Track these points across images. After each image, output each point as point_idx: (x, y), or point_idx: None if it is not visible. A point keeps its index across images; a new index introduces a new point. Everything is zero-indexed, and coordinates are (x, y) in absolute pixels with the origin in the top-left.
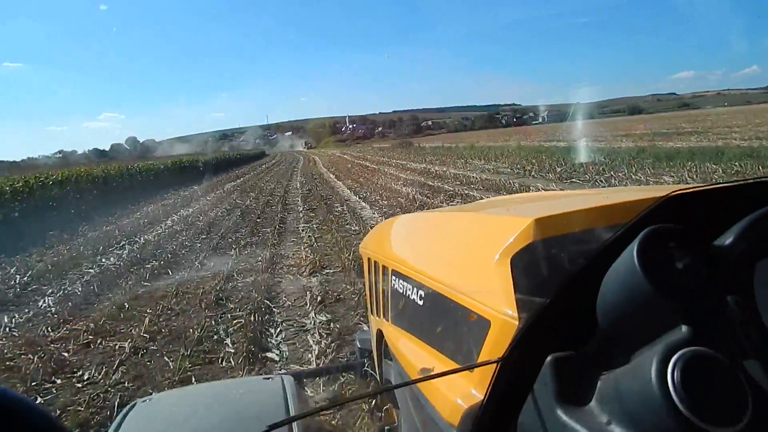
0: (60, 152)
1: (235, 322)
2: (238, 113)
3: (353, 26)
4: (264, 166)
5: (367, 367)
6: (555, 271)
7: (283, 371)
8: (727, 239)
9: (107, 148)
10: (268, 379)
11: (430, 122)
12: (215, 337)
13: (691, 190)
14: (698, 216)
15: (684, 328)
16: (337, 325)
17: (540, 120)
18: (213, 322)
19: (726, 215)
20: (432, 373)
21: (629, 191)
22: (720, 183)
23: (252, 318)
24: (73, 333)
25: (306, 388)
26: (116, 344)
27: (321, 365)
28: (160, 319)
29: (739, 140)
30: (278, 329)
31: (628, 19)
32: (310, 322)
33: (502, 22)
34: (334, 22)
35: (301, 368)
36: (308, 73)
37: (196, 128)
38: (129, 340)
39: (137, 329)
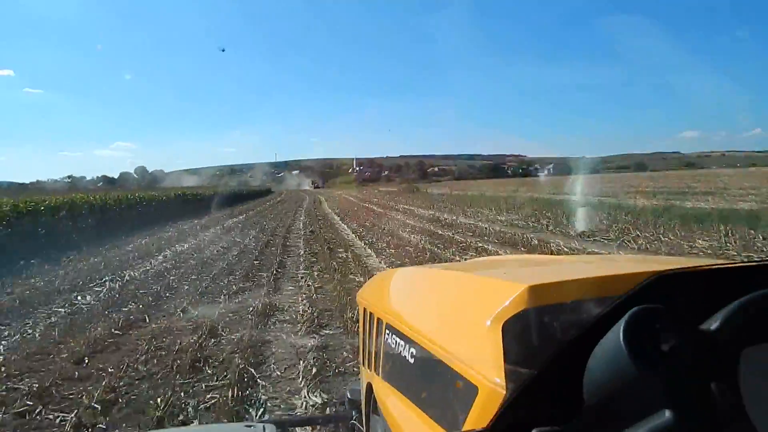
0: (69, 177)
1: (209, 396)
2: (247, 150)
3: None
4: (269, 203)
5: (354, 420)
6: (546, 341)
7: (266, 418)
8: (714, 323)
9: (116, 176)
10: (250, 427)
11: (436, 168)
12: (181, 416)
13: (681, 269)
14: (688, 296)
15: (667, 412)
16: (334, 410)
17: (545, 172)
18: (183, 394)
19: (717, 297)
20: None
21: (622, 261)
22: (713, 263)
23: (230, 393)
24: (9, 396)
25: None
26: (58, 416)
27: (308, 414)
28: (121, 383)
29: (760, 202)
30: (260, 411)
31: (629, 88)
32: (301, 404)
33: (507, 85)
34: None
35: (287, 416)
36: (319, 115)
37: (207, 162)
38: (75, 411)
39: (90, 396)
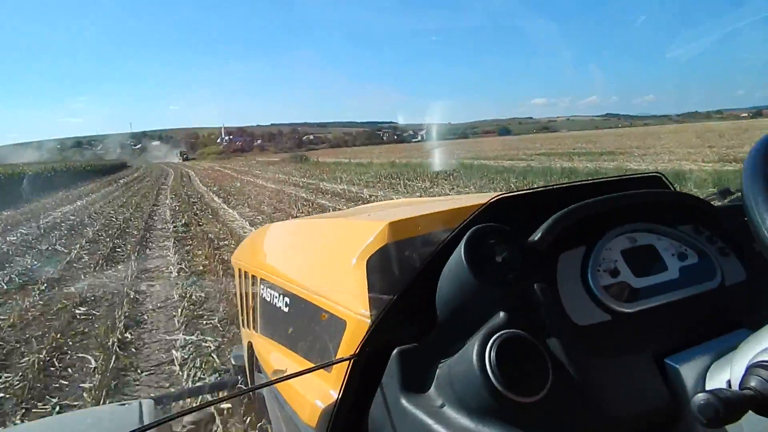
0: None
1: None
2: (97, 120)
3: (225, 31)
4: (123, 181)
5: (241, 383)
6: (405, 270)
7: (143, 396)
8: (537, 235)
9: None
10: (124, 405)
11: (311, 136)
12: None
13: (513, 194)
14: (519, 216)
15: (501, 313)
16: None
17: (419, 138)
18: None
19: (541, 215)
20: (287, 374)
21: (471, 197)
22: (538, 188)
23: None
24: None
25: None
26: None
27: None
28: None
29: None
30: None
31: (488, 41)
32: None
33: (373, 31)
34: (203, 25)
35: (166, 390)
36: (177, 80)
37: (47, 134)
38: None
39: None
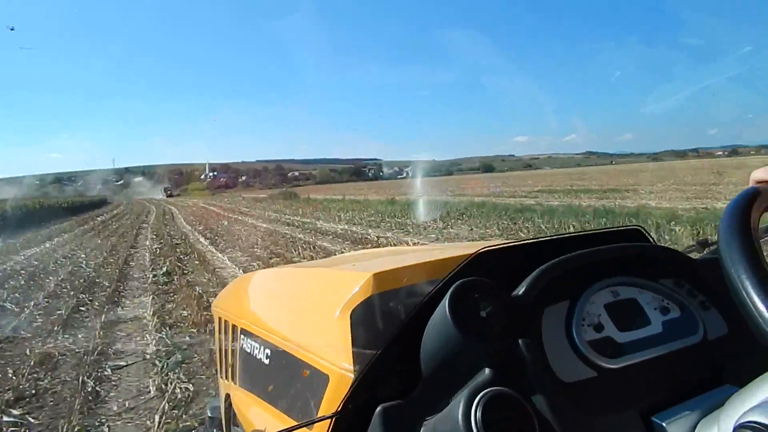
0: None
1: None
2: (78, 156)
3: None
4: (100, 219)
5: None
6: (390, 323)
7: None
8: (522, 289)
9: None
10: None
11: (297, 173)
12: None
13: (497, 246)
14: (503, 269)
15: (487, 370)
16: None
17: (404, 174)
18: None
19: (525, 268)
20: None
21: (456, 247)
22: (522, 240)
23: None
24: None
25: None
26: None
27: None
28: None
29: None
30: None
31: (468, 95)
32: None
33: (359, 85)
34: (190, 63)
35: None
36: (163, 117)
37: (27, 170)
38: None
39: None
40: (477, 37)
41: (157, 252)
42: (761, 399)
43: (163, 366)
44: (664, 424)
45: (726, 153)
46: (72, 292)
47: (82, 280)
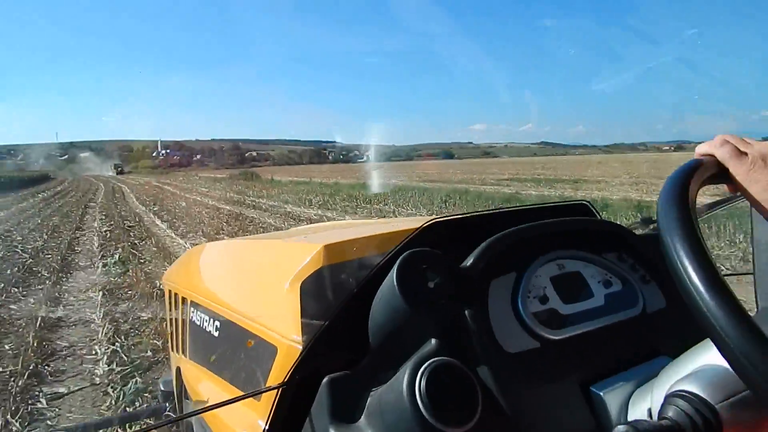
0: None
1: None
2: (18, 128)
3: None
4: (41, 196)
5: (169, 411)
6: (339, 295)
7: (62, 426)
8: (469, 260)
9: None
10: None
11: (254, 153)
12: None
13: (446, 218)
14: (451, 240)
15: (433, 340)
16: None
17: (364, 158)
18: None
19: (474, 240)
20: (214, 403)
21: (408, 221)
22: (471, 212)
23: None
24: None
25: None
26: None
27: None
28: None
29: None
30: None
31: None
32: None
33: (312, 49)
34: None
35: (89, 419)
36: (110, 90)
37: None
38: None
39: None
40: (426, 3)
41: (108, 236)
42: (691, 369)
43: (118, 397)
44: (601, 394)
45: (672, 148)
46: (1, 285)
47: (15, 269)
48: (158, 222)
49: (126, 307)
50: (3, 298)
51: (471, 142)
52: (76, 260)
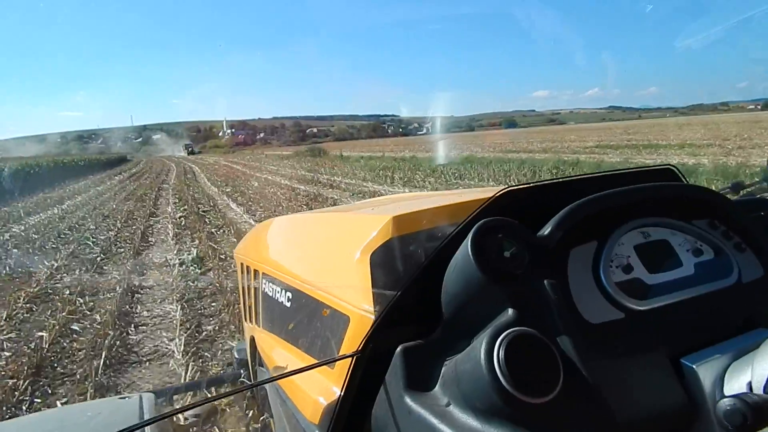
0: None
1: None
2: (97, 113)
3: (225, 26)
4: (117, 179)
5: (243, 377)
6: (410, 266)
7: (144, 390)
8: (547, 230)
9: None
10: (124, 398)
11: (315, 129)
12: None
13: (521, 187)
14: (527, 209)
15: (510, 311)
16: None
17: (424, 131)
18: None
19: (551, 209)
20: (290, 370)
21: (477, 191)
22: (546, 180)
23: None
24: None
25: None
26: None
27: (192, 379)
28: None
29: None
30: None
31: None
32: None
33: (372, 24)
34: (204, 20)
35: (168, 384)
36: (179, 74)
37: (48, 128)
38: None
39: None
40: None
41: (182, 223)
42: None
43: None
44: (694, 367)
45: (759, 106)
46: (62, 295)
47: (84, 269)
48: (233, 205)
49: (210, 331)
50: (63, 319)
51: (533, 110)
52: (150, 256)
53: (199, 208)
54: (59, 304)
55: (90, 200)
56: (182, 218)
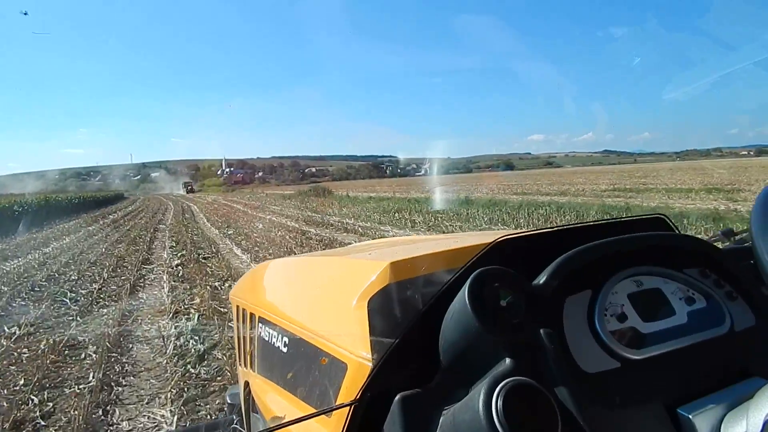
0: None
1: None
2: (97, 151)
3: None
4: (111, 218)
5: (236, 424)
6: (407, 312)
7: None
8: (543, 278)
9: None
10: None
11: (314, 169)
12: None
13: (517, 235)
14: (523, 258)
15: (507, 360)
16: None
17: (423, 172)
18: None
19: (546, 257)
20: (287, 420)
21: (473, 236)
22: (542, 229)
23: None
24: None
25: None
26: None
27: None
28: None
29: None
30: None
31: (482, 81)
32: None
33: (371, 78)
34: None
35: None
36: (179, 113)
37: (48, 165)
38: None
39: None
40: (492, 23)
41: (179, 273)
42: None
43: None
44: (690, 417)
45: (751, 152)
46: (11, 388)
47: (51, 340)
48: (237, 251)
49: None
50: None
51: (529, 153)
52: (140, 320)
53: (199, 255)
54: (4, 403)
55: (78, 242)
56: (180, 266)
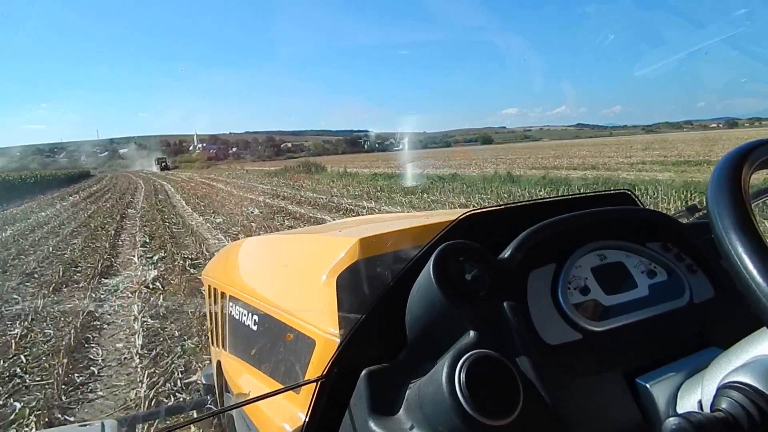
0: None
1: None
2: (61, 127)
3: (197, 40)
4: (71, 199)
5: (210, 403)
6: (375, 288)
7: (105, 416)
8: (507, 252)
9: None
10: (86, 426)
11: (289, 144)
12: None
13: (482, 210)
14: (488, 232)
15: (471, 333)
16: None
17: (400, 147)
18: None
19: (511, 232)
20: (254, 396)
21: (442, 214)
22: (507, 204)
23: None
24: None
25: None
26: None
27: (158, 406)
28: None
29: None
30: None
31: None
32: None
33: (342, 48)
34: (173, 30)
35: (132, 412)
36: (146, 86)
37: (8, 142)
38: None
39: None
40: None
41: (157, 295)
42: (745, 360)
43: None
44: (648, 386)
45: (721, 125)
46: None
47: None
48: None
49: None
50: None
51: (504, 127)
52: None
53: (182, 256)
54: None
55: (19, 237)
56: (159, 280)
